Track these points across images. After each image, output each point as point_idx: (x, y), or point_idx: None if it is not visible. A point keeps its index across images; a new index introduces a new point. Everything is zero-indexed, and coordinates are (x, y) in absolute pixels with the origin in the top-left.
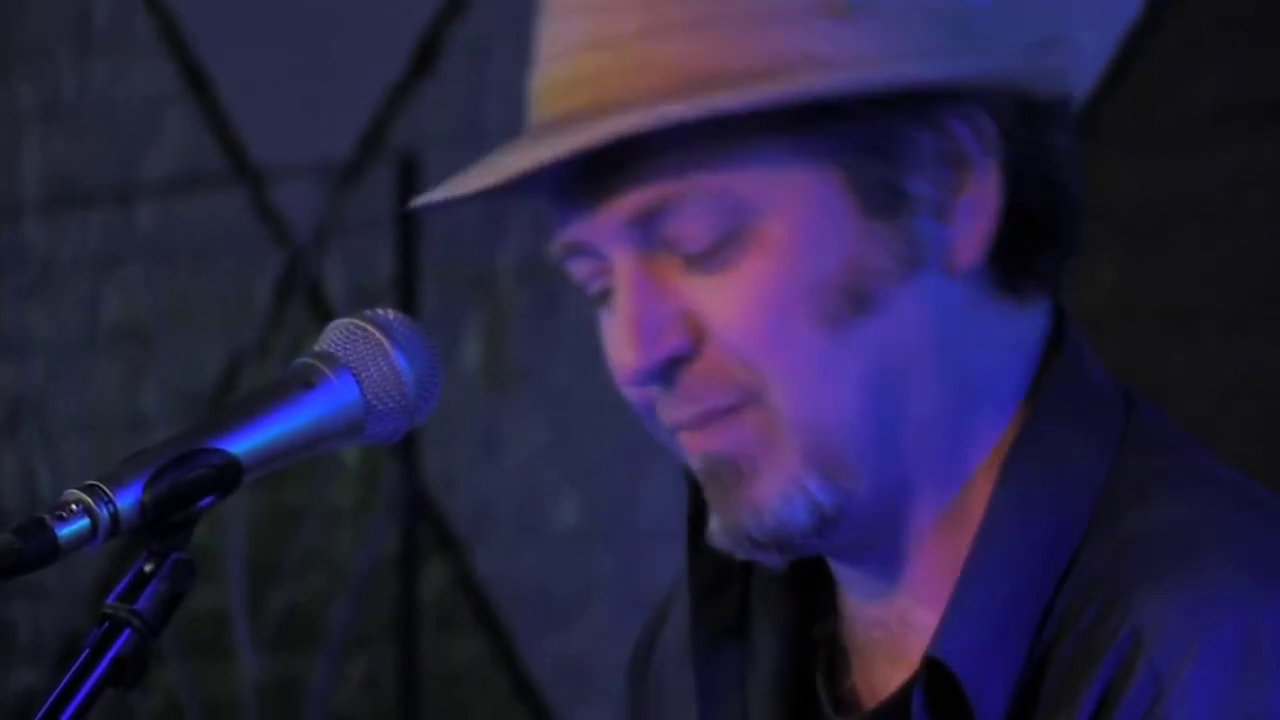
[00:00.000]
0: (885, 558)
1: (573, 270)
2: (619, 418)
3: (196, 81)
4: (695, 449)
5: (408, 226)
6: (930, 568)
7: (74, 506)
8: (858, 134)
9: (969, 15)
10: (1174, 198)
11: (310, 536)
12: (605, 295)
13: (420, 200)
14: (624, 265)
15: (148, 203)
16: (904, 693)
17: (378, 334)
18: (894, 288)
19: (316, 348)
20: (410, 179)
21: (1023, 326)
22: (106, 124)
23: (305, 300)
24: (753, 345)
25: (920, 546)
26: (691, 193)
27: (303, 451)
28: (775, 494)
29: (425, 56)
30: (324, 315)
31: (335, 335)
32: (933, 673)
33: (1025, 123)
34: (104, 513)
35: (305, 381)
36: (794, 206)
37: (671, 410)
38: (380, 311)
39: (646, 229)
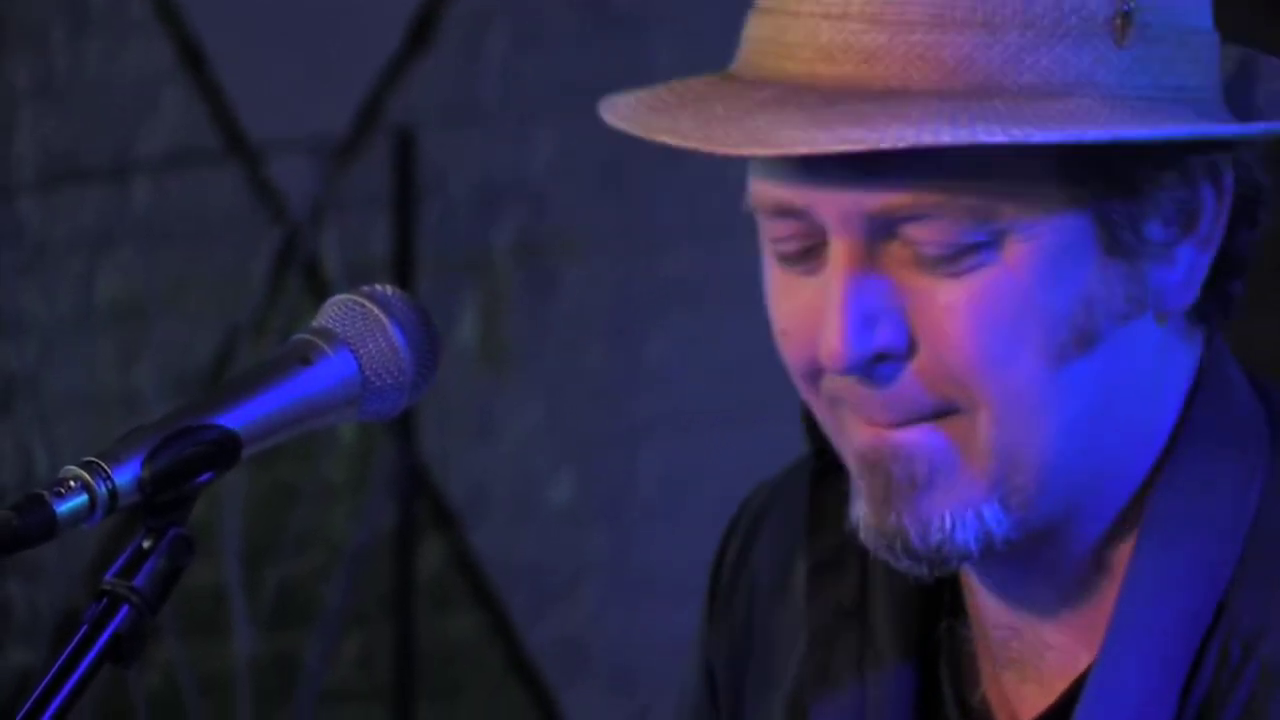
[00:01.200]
0: (1032, 570)
1: (770, 226)
2: (613, 397)
3: (192, 59)
4: (871, 442)
5: (404, 204)
6: (1073, 589)
7: (72, 483)
8: (1115, 169)
9: (1205, 42)
10: None
11: (306, 514)
12: (799, 256)
13: (654, 132)
14: (846, 247)
15: (143, 180)
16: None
17: (376, 310)
18: (1118, 328)
19: (314, 324)
20: (406, 155)
21: (1195, 352)
22: (101, 102)
23: (301, 277)
24: (972, 364)
25: (1068, 567)
26: (950, 203)
27: (300, 427)
28: (947, 512)
29: (421, 32)
30: (320, 292)
31: (333, 311)
32: None
33: (1250, 168)
34: (102, 489)
35: (303, 357)
36: (1045, 233)
37: (861, 403)
38: (379, 287)
39: (887, 224)
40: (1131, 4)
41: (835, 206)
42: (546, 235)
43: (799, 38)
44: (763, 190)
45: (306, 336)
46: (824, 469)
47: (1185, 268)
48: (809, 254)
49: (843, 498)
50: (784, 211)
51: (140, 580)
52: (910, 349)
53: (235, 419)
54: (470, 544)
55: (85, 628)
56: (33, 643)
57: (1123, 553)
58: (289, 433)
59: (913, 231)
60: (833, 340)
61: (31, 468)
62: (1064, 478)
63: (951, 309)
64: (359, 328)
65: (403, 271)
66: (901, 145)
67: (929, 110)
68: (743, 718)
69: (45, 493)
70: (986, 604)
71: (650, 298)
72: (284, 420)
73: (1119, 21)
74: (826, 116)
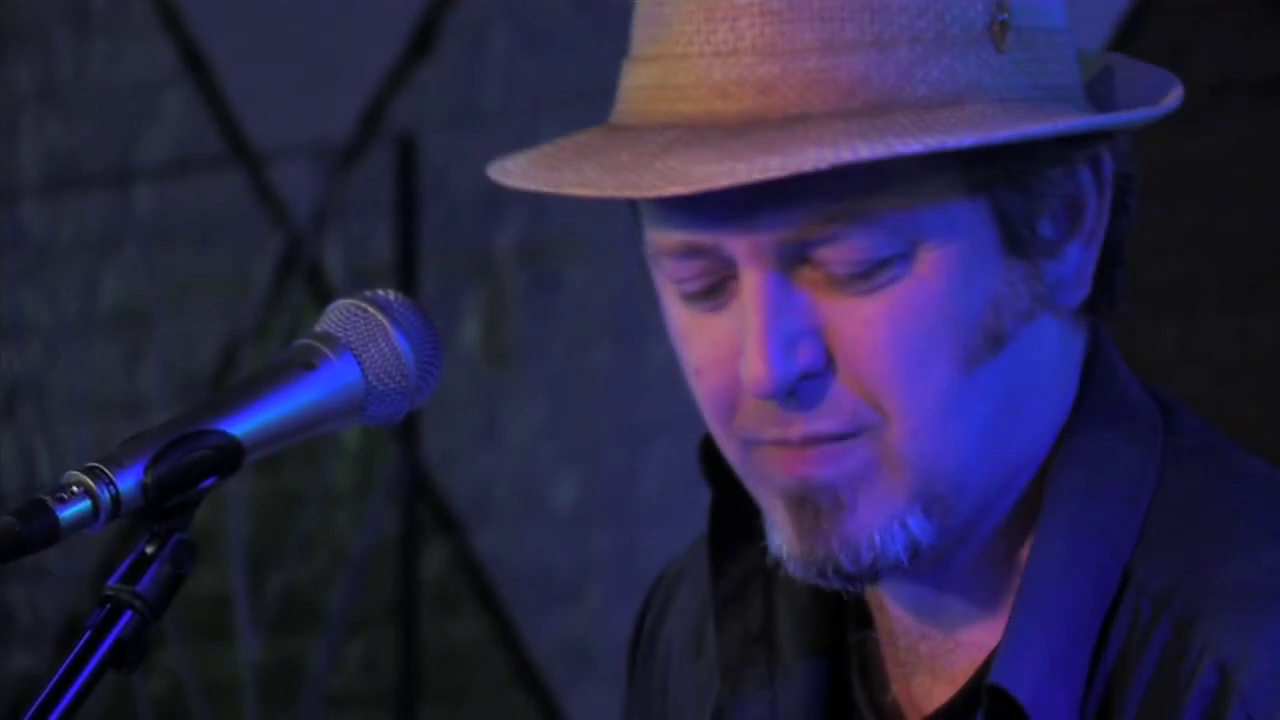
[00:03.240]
0: (940, 574)
1: (674, 268)
2: (617, 398)
3: (194, 63)
4: (793, 471)
5: (406, 208)
6: (981, 584)
7: (75, 488)
8: (1012, 171)
9: (1066, 40)
10: (1171, 172)
11: (310, 518)
12: (703, 294)
13: (561, 188)
14: (759, 276)
15: (146, 185)
16: (950, 709)
17: (378, 315)
18: (1023, 327)
19: (317, 329)
20: (408, 160)
21: (1082, 342)
22: (104, 106)
23: (304, 282)
24: (888, 375)
25: (975, 563)
26: (858, 220)
27: (303, 433)
28: (876, 528)
29: (423, 38)
30: (323, 297)
31: (336, 316)
32: (994, 700)
33: (1122, 158)
34: (105, 494)
35: (306, 363)
36: (954, 239)
37: (776, 425)
38: (381, 292)
39: (799, 249)
40: (1006, 12)
41: (745, 240)
42: (549, 237)
43: (691, 79)
44: (663, 236)
45: (309, 341)
46: (722, 507)
47: (1075, 263)
48: (715, 290)
49: (741, 533)
50: (691, 251)
51: (143, 586)
52: (829, 367)
53: (238, 424)
54: (474, 547)
55: (88, 633)
56: (36, 648)
57: (1026, 535)
58: (292, 438)
59: (825, 254)
60: (756, 367)
61: (34, 472)
62: (980, 479)
63: (868, 324)
64: (362, 332)
65: (406, 275)
66: (824, 165)
67: (835, 131)
68: None
69: (48, 498)
70: (895, 613)
71: (654, 299)
72: (287, 426)
73: (997, 28)
74: (736, 149)
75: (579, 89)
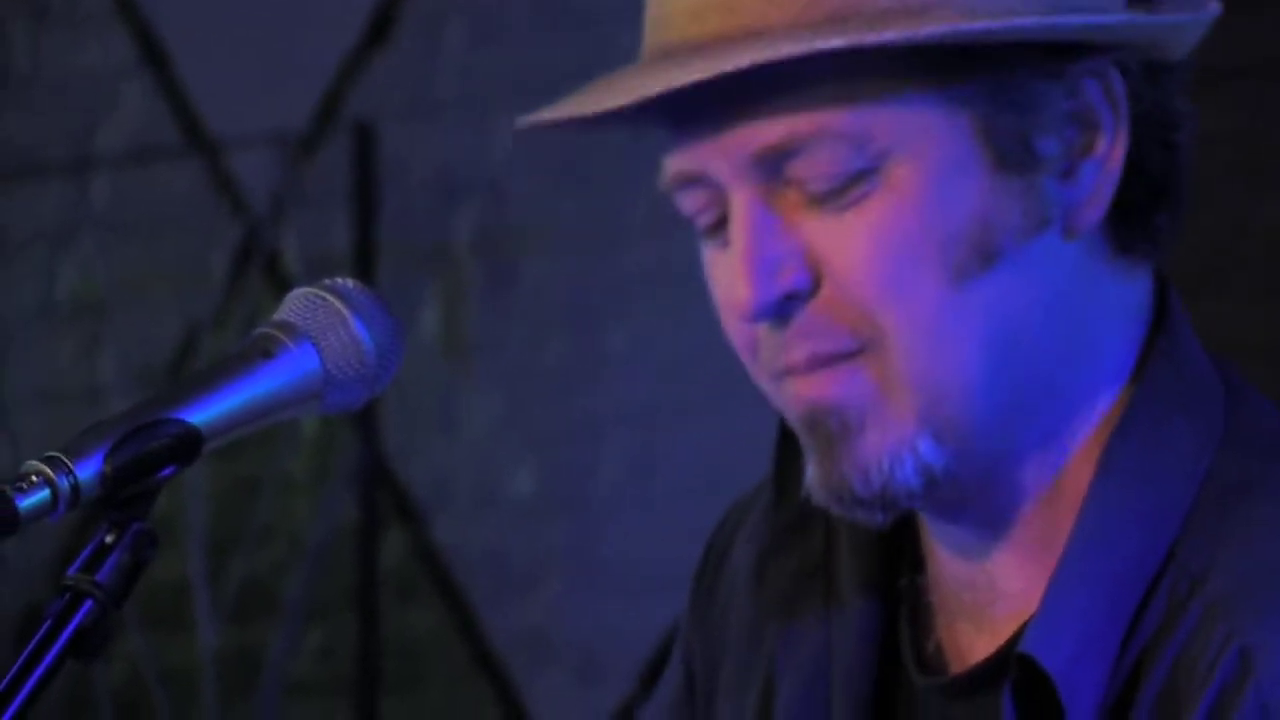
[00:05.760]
0: (983, 518)
1: (682, 200)
2: (576, 389)
3: (152, 53)
4: (802, 395)
5: (364, 198)
6: (1025, 535)
7: (34, 478)
8: (994, 84)
9: None
10: None
11: (269, 507)
12: (716, 228)
13: (539, 117)
14: (743, 198)
15: (103, 175)
16: (990, 667)
17: (337, 303)
18: (1020, 245)
19: (276, 317)
20: (366, 149)
21: (1132, 293)
22: (61, 96)
23: (262, 271)
24: (873, 291)
25: (1019, 512)
26: (824, 132)
27: (262, 420)
28: (884, 453)
29: (380, 27)
30: (281, 286)
31: (295, 304)
32: (1024, 668)
33: (1151, 82)
34: (64, 484)
35: (264, 351)
36: (927, 152)
37: (782, 351)
38: (340, 280)
39: (773, 164)
40: None
41: (723, 158)
42: (507, 228)
43: (670, 7)
44: (667, 165)
45: (268, 330)
46: (787, 446)
47: (1089, 185)
48: (722, 225)
49: (802, 469)
50: (687, 180)
51: (103, 575)
52: (815, 287)
53: (197, 413)
54: (432, 536)
55: (48, 623)
56: None
57: (1074, 499)
58: (251, 426)
59: (798, 169)
60: (740, 290)
61: None
62: (991, 401)
63: (846, 241)
64: (320, 321)
65: (363, 265)
66: (745, 65)
67: (780, 38)
68: (715, 715)
69: (7, 488)
70: (942, 558)
71: (611, 290)
72: (246, 414)
73: None
74: (689, 62)
75: (535, 78)
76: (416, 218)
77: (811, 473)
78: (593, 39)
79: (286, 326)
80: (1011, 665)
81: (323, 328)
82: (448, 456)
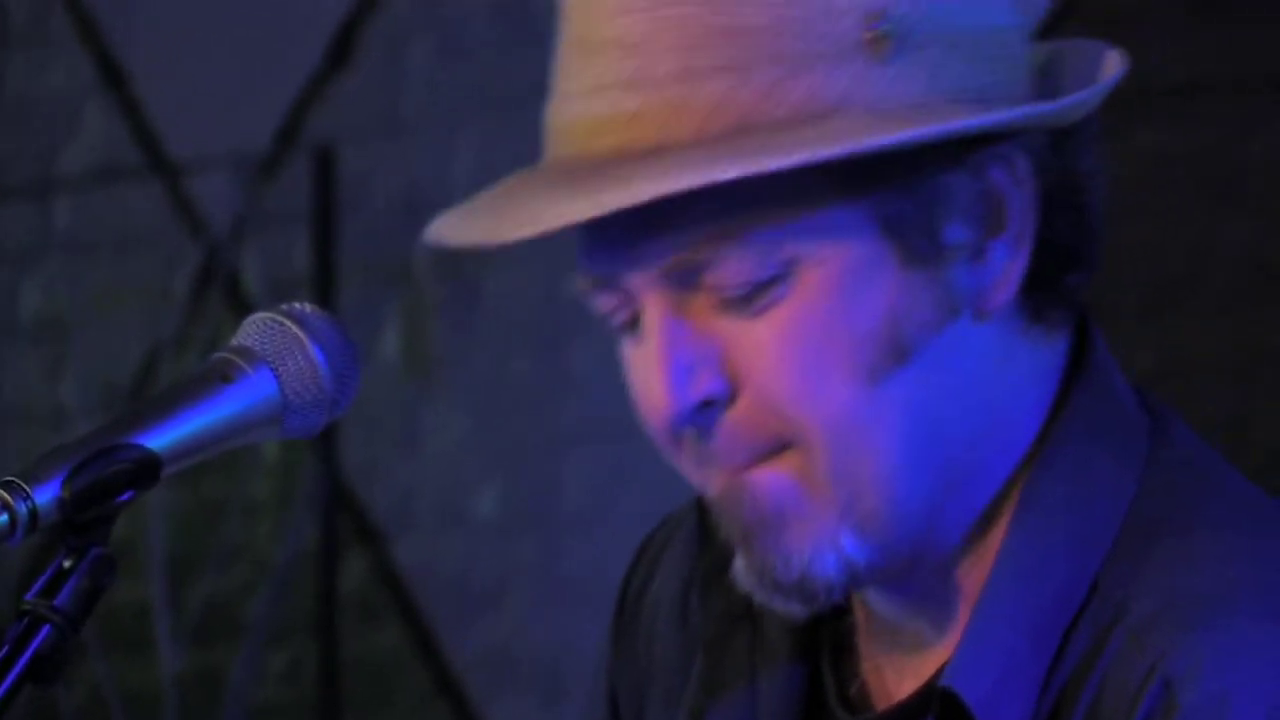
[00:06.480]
0: (906, 587)
1: (597, 301)
2: (538, 407)
3: (113, 76)
4: (724, 486)
5: (325, 219)
6: (950, 595)
7: None
8: (900, 183)
9: (993, 39)
10: None
11: (230, 530)
12: (631, 324)
13: (447, 236)
14: (656, 307)
15: (65, 197)
16: (913, 704)
17: (295, 328)
18: (931, 337)
19: (234, 342)
20: (327, 171)
21: (1050, 354)
22: (23, 119)
23: (223, 293)
24: (789, 395)
25: (941, 576)
26: (733, 244)
27: (221, 445)
28: (807, 547)
29: (342, 49)
30: (242, 308)
31: (253, 330)
32: (946, 702)
33: (1057, 151)
34: (22, 509)
35: (223, 376)
36: (835, 255)
37: (706, 468)
38: (297, 306)
39: (683, 275)
40: (884, 24)
41: (635, 271)
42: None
43: (569, 118)
44: (580, 274)
45: (226, 355)
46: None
47: (999, 266)
48: (636, 322)
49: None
50: (599, 286)
51: (61, 600)
52: (733, 393)
53: (156, 438)
54: (394, 557)
55: (6, 648)
56: None
57: (996, 540)
58: (210, 451)
59: (710, 278)
60: (656, 395)
61: None
62: (912, 491)
63: (760, 347)
64: (278, 346)
65: (324, 286)
66: (644, 199)
67: (682, 160)
68: None
69: None
70: (870, 607)
71: (574, 307)
72: (205, 439)
73: (870, 39)
74: (590, 185)
75: (498, 99)
76: (379, 237)
77: (739, 560)
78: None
79: (244, 352)
80: (934, 701)
81: (280, 353)
82: (411, 476)
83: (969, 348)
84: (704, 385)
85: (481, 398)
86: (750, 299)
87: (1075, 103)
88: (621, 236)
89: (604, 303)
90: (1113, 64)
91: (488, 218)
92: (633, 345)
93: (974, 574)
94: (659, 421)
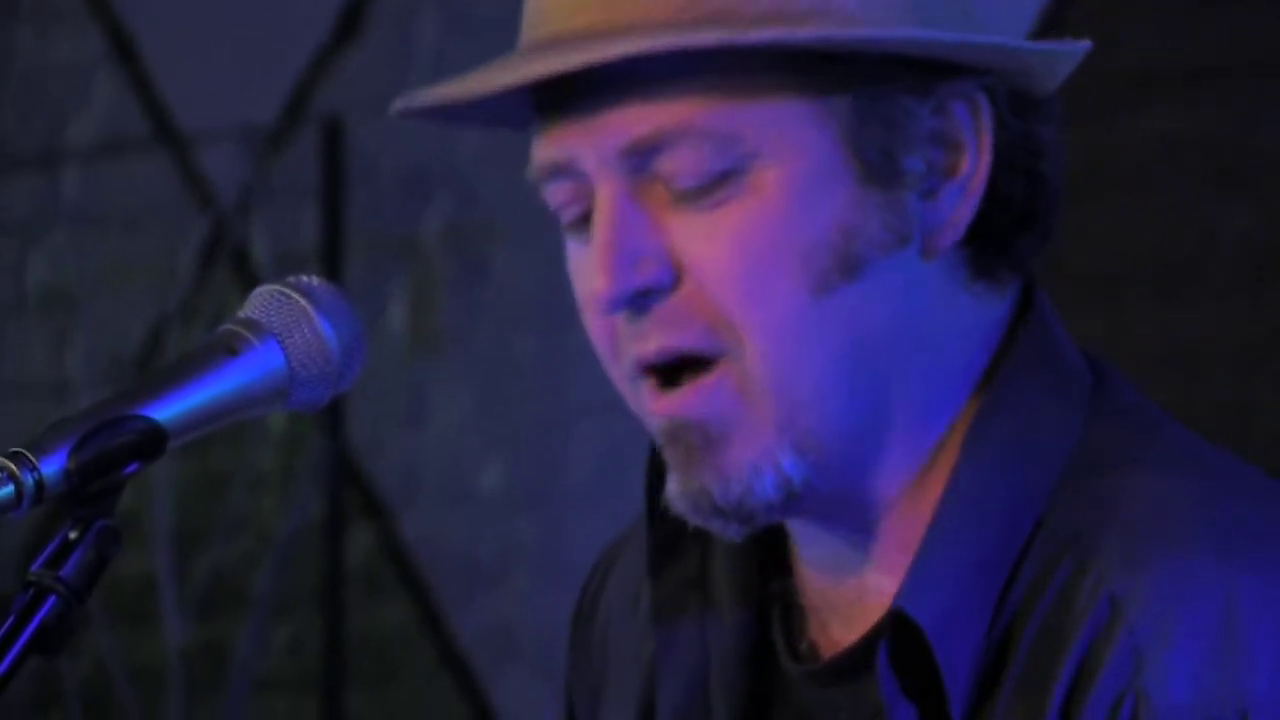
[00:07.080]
0: (848, 527)
1: (549, 192)
2: (544, 384)
3: (122, 47)
4: (662, 411)
5: (332, 192)
6: (893, 539)
7: None
8: (865, 96)
9: None
10: (1098, 164)
11: (236, 502)
12: (580, 222)
13: (409, 104)
14: (608, 190)
15: (73, 169)
16: (864, 644)
17: (302, 300)
18: (880, 259)
19: (241, 314)
20: (335, 145)
21: (993, 312)
22: (32, 90)
23: (230, 266)
24: (733, 293)
25: (884, 517)
26: (693, 128)
27: (227, 418)
28: (745, 464)
29: (350, 22)
30: (249, 281)
31: (260, 302)
32: (898, 629)
33: (1017, 112)
34: (29, 480)
35: (229, 348)
36: (794, 157)
37: (635, 342)
38: (305, 278)
39: (640, 158)
40: None
41: (592, 148)
42: (476, 222)
43: (551, 2)
44: (535, 153)
45: (233, 327)
46: (658, 465)
47: (949, 208)
48: (588, 220)
49: None
50: (554, 170)
51: (67, 571)
52: (676, 284)
53: (162, 410)
54: (400, 532)
55: (12, 619)
56: None
57: (941, 480)
58: (216, 423)
59: (665, 165)
60: (597, 280)
61: None
62: (848, 411)
63: (709, 241)
64: (285, 318)
65: (331, 260)
66: (613, 56)
67: (657, 32)
68: None
69: None
70: (809, 565)
71: None
72: (211, 411)
73: None
74: (561, 50)
75: None
76: (386, 212)
77: (671, 484)
78: None
79: (251, 324)
80: (885, 625)
81: (288, 325)
82: (416, 451)
83: (915, 280)
84: (648, 272)
85: (487, 373)
86: (705, 192)
87: (1043, 50)
88: (582, 113)
89: (557, 193)
90: (1081, 48)
91: (456, 85)
92: (580, 245)
93: (919, 513)
94: (598, 303)
